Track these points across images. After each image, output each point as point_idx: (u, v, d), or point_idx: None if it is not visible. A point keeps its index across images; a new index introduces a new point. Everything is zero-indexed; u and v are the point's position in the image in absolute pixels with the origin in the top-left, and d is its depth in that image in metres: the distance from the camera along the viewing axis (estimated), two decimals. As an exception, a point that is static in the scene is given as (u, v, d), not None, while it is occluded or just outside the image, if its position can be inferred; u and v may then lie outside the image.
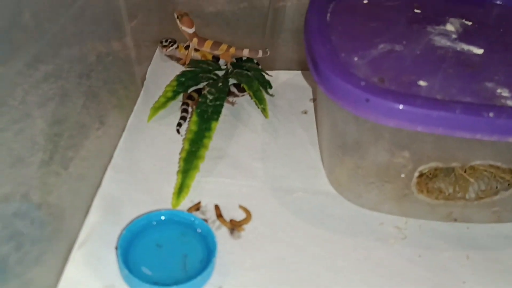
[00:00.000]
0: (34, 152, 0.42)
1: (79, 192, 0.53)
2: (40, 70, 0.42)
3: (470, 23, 0.59)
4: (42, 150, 0.43)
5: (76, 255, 0.48)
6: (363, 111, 0.46)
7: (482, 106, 0.44)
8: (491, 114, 0.43)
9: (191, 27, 0.75)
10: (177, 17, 0.75)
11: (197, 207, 0.54)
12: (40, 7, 0.41)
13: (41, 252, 0.45)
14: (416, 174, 0.52)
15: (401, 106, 0.44)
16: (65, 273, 0.46)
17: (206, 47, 0.76)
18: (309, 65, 0.53)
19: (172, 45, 0.77)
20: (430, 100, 0.45)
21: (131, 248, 0.48)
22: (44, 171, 0.44)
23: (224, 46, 0.76)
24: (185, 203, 0.55)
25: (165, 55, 0.79)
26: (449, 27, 0.58)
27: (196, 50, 0.78)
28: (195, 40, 0.76)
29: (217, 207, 0.54)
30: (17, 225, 0.41)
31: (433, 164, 0.51)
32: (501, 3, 0.64)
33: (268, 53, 0.77)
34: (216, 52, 0.77)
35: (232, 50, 0.76)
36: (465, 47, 0.54)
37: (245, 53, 0.76)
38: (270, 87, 0.73)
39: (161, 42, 0.78)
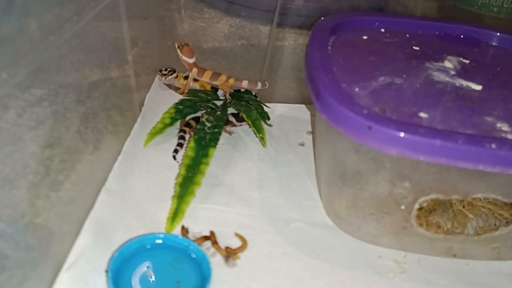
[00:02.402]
0: (24, 175, 0.41)
1: (69, 216, 0.51)
2: (34, 94, 0.41)
3: (467, 61, 0.60)
4: (32, 173, 0.42)
5: (63, 278, 0.46)
6: (365, 139, 0.46)
7: (484, 138, 0.44)
8: (493, 146, 0.43)
9: (191, 57, 0.76)
10: (178, 47, 0.76)
11: (185, 232, 0.53)
12: (46, 18, 0.41)
13: (26, 276, 0.42)
14: (416, 206, 0.51)
15: (403, 135, 0.44)
16: (51, 296, 0.44)
17: (206, 77, 0.77)
18: (310, 94, 0.53)
19: (171, 74, 0.78)
20: (433, 130, 0.45)
21: (122, 272, 0.46)
22: (33, 194, 0.43)
23: (223, 77, 0.76)
24: (179, 230, 0.53)
25: (164, 83, 0.79)
26: (447, 64, 0.59)
27: (195, 80, 0.79)
28: (194, 70, 0.77)
29: (212, 234, 0.52)
30: (1, 248, 0.39)
31: (434, 196, 0.50)
32: (496, 44, 0.66)
33: (267, 85, 0.77)
34: (215, 83, 0.77)
35: (231, 81, 0.76)
36: (464, 83, 0.55)
37: (244, 84, 0.77)
38: (268, 118, 0.74)
39: (161, 71, 0.78)
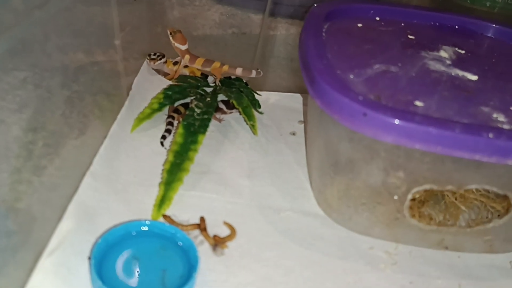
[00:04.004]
0: (5, 158, 0.40)
1: (52, 201, 0.50)
2: (17, 77, 0.40)
3: (463, 52, 0.59)
4: (14, 157, 0.41)
5: (45, 263, 0.44)
6: (360, 126, 0.44)
7: (482, 127, 0.43)
8: (490, 135, 0.42)
9: (184, 43, 0.74)
10: (170, 34, 0.74)
11: (171, 220, 0.51)
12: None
13: (5, 262, 0.41)
14: (409, 196, 0.50)
15: (400, 122, 0.42)
16: (31, 282, 0.42)
17: (198, 64, 0.75)
18: (304, 80, 0.52)
19: (160, 59, 0.75)
20: (430, 118, 0.44)
21: (106, 259, 0.44)
22: (15, 179, 0.41)
23: (216, 64, 0.74)
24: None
25: (153, 68, 0.77)
26: (443, 53, 0.58)
27: (185, 66, 0.77)
28: (187, 57, 0.75)
29: (202, 220, 0.51)
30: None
31: (427, 187, 0.49)
32: (491, 36, 0.65)
33: (261, 73, 0.75)
34: (208, 70, 0.75)
35: (225, 68, 0.74)
36: (460, 72, 0.54)
37: (238, 72, 0.75)
38: (259, 106, 0.72)
39: (149, 55, 0.76)
